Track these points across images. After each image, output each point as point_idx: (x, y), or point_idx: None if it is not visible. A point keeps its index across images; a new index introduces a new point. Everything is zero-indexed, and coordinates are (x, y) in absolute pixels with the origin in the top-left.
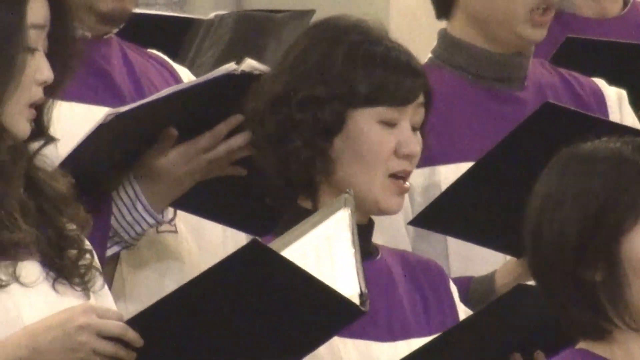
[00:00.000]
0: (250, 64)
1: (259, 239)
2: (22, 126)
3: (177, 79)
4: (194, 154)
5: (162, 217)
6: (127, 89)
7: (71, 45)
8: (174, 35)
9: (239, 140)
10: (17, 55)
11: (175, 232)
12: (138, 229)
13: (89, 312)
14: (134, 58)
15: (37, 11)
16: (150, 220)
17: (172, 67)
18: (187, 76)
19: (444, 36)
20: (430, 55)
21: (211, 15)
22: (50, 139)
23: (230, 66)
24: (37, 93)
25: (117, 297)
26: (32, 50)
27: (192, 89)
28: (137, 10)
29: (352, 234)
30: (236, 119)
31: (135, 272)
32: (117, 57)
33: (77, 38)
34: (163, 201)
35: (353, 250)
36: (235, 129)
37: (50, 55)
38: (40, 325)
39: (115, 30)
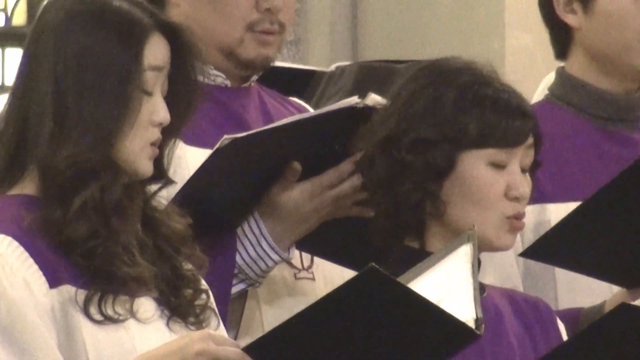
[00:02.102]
0: (374, 98)
1: (376, 266)
2: (144, 164)
3: None
4: (319, 190)
5: (289, 254)
6: None
7: (192, 88)
8: (296, 86)
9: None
10: (132, 96)
11: (313, 279)
12: (262, 265)
13: (206, 338)
14: (272, 106)
15: (156, 53)
16: (275, 257)
17: None
18: None
19: (561, 74)
20: (547, 92)
21: (332, 67)
22: (169, 182)
23: (353, 99)
24: (154, 134)
25: (254, 335)
26: (148, 92)
27: (313, 120)
28: None
29: (473, 266)
30: (360, 156)
31: (271, 310)
32: (255, 106)
33: (197, 81)
34: (288, 238)
35: (472, 280)
36: None
37: (170, 97)
38: (158, 351)
39: (255, 78)
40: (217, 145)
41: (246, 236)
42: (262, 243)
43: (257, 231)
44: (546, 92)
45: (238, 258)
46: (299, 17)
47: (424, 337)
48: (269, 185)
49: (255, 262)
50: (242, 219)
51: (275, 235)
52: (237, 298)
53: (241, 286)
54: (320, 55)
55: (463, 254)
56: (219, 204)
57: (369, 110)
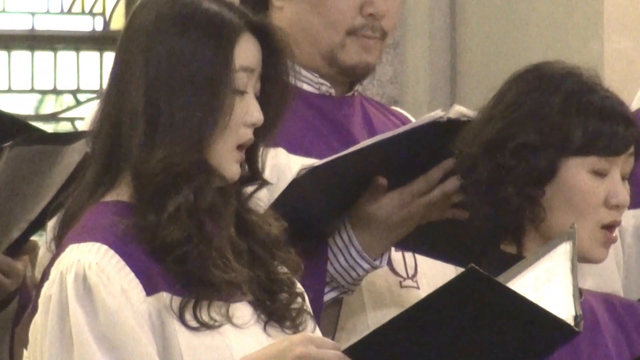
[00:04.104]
0: (458, 110)
1: (476, 266)
2: (231, 167)
3: None
4: (408, 199)
5: (380, 262)
6: None
7: (283, 89)
8: None
9: (453, 183)
10: (224, 97)
11: (417, 288)
12: (353, 274)
13: (306, 341)
14: (374, 116)
15: (247, 54)
16: (366, 266)
17: None
18: None
19: None
20: None
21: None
22: (265, 183)
23: (436, 113)
24: (246, 135)
25: None
26: (240, 93)
27: (394, 139)
28: None
29: (572, 263)
30: (449, 163)
31: (377, 317)
32: (358, 116)
33: (288, 82)
34: (379, 246)
35: (571, 277)
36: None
37: (262, 98)
38: (258, 354)
39: (358, 87)
40: (294, 176)
41: (337, 245)
42: (352, 252)
43: (347, 240)
44: None
45: (329, 267)
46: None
47: (523, 335)
48: (358, 194)
49: (346, 271)
50: (333, 228)
51: (366, 244)
52: (330, 305)
53: (333, 294)
54: (418, 59)
55: (562, 252)
56: (308, 216)
57: (454, 122)
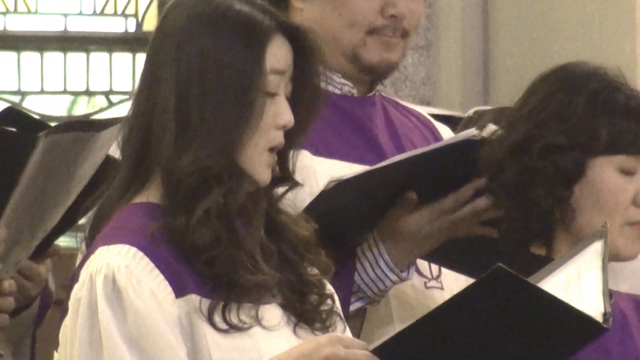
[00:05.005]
0: (492, 129)
1: (503, 265)
2: (262, 171)
3: (437, 138)
4: (438, 215)
5: (407, 274)
6: (389, 149)
7: (314, 91)
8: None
9: (483, 202)
10: (256, 99)
11: (442, 288)
12: (381, 285)
13: (334, 342)
14: (395, 117)
15: (278, 56)
16: (393, 278)
17: (433, 126)
18: (448, 135)
19: None
20: None
21: (470, 111)
22: (295, 184)
23: (471, 132)
24: (277, 137)
25: None
26: (271, 95)
27: (427, 155)
28: None
29: (603, 262)
30: (480, 182)
31: (403, 317)
32: (380, 117)
33: (319, 85)
34: (407, 259)
35: (601, 275)
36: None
37: (293, 100)
38: (285, 355)
39: (380, 87)
40: (323, 187)
41: (366, 257)
42: (381, 263)
43: (376, 253)
44: None
45: (357, 277)
46: (430, 22)
47: (551, 332)
48: (387, 207)
49: (374, 282)
50: (362, 240)
51: (394, 256)
52: (355, 315)
53: (358, 304)
54: (451, 60)
55: (594, 251)
56: (337, 226)
57: (487, 141)
